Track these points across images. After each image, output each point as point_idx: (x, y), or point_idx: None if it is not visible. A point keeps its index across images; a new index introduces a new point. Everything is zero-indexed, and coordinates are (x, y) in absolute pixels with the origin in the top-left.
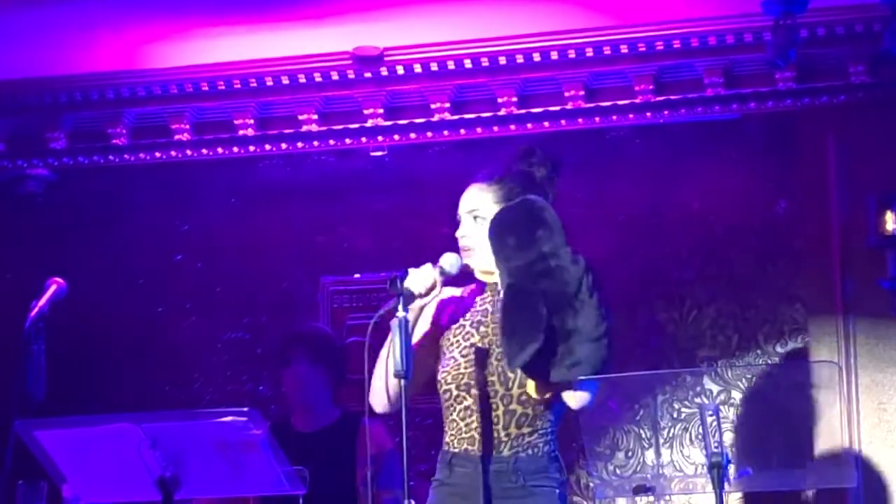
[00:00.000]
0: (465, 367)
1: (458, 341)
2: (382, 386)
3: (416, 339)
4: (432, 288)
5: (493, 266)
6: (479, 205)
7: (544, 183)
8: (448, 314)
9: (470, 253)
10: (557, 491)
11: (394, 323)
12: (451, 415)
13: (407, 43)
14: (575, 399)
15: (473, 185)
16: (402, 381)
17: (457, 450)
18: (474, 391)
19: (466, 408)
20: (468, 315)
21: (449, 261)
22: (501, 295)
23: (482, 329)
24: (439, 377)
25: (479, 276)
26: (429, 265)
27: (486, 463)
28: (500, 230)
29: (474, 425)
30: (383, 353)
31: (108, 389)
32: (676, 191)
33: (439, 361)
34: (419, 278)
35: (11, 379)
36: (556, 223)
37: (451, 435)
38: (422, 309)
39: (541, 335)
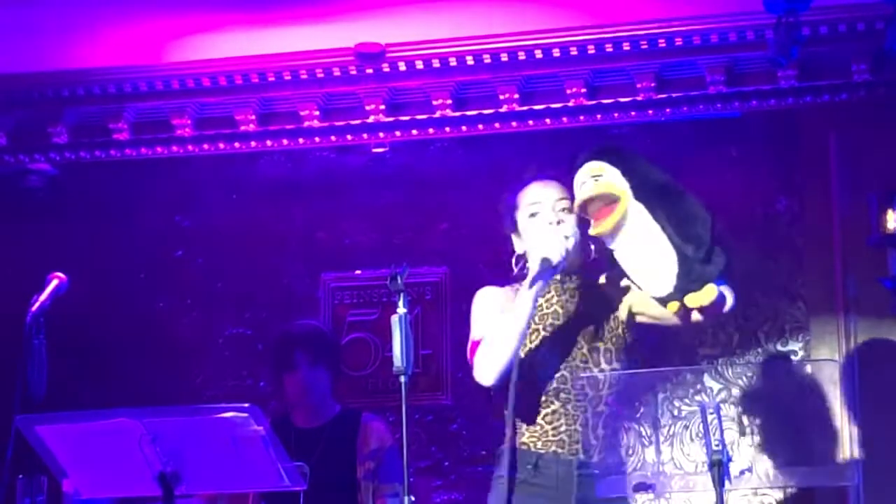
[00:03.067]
0: (553, 371)
1: (533, 342)
2: (502, 349)
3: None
4: (564, 258)
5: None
6: (566, 195)
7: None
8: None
9: (564, 226)
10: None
11: (394, 319)
12: (535, 418)
13: (409, 39)
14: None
15: (546, 182)
16: (404, 379)
17: (543, 451)
18: (563, 395)
19: (554, 412)
20: (537, 318)
21: (570, 235)
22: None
23: (561, 333)
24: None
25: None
26: (557, 234)
27: (576, 466)
28: (619, 155)
29: (563, 428)
30: (510, 323)
31: (109, 384)
32: None
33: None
34: (555, 247)
35: (13, 374)
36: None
37: (533, 436)
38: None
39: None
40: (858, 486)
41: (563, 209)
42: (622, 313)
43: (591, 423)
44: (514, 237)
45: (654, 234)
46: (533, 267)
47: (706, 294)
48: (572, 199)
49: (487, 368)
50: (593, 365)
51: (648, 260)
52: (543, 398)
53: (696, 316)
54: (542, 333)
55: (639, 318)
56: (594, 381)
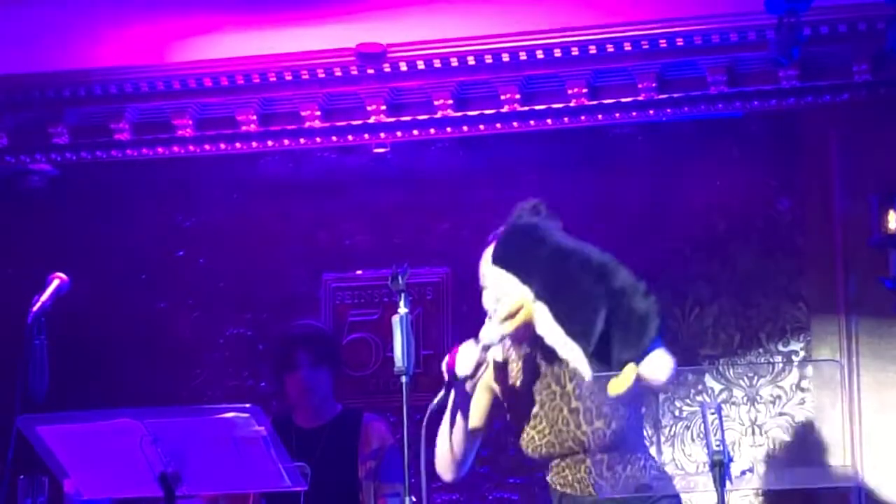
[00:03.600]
0: (540, 440)
1: (519, 412)
2: (447, 452)
3: (476, 419)
4: (480, 365)
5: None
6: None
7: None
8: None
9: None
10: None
11: (395, 319)
12: (546, 474)
13: (410, 39)
14: (656, 366)
15: (486, 252)
16: (405, 379)
17: (563, 489)
18: (557, 459)
19: (558, 464)
20: (514, 383)
21: (490, 333)
22: (539, 320)
23: (538, 397)
24: (521, 446)
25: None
26: (471, 342)
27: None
28: (505, 258)
29: (569, 477)
30: (444, 425)
31: (110, 385)
32: (679, 188)
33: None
34: (466, 360)
35: (14, 374)
36: (545, 224)
37: (555, 475)
38: (474, 385)
39: (593, 336)
40: (860, 487)
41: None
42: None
43: (594, 470)
44: None
45: (558, 334)
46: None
47: (624, 380)
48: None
49: (441, 469)
50: (574, 427)
51: (565, 354)
52: (542, 461)
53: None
54: (524, 400)
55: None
56: (580, 443)
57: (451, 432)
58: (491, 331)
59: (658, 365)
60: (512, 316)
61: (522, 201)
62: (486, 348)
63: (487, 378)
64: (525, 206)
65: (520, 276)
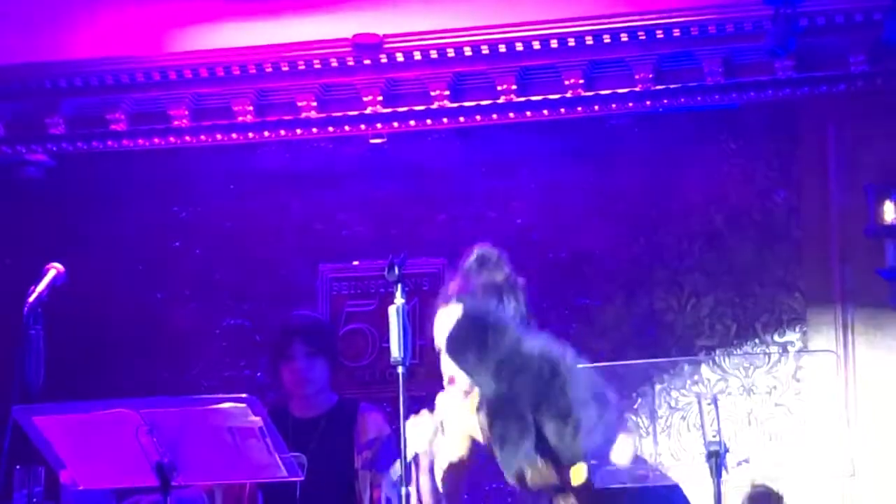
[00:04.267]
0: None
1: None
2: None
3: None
4: (434, 436)
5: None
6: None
7: (507, 285)
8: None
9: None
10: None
11: (391, 310)
12: None
13: (406, 30)
14: (618, 454)
15: (440, 311)
16: (401, 369)
17: None
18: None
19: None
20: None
21: (447, 404)
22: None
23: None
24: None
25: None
26: (425, 414)
27: None
28: (457, 353)
29: None
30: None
31: (107, 375)
32: (675, 179)
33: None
34: (419, 436)
35: (10, 364)
36: (500, 320)
37: None
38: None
39: (530, 443)
40: (855, 477)
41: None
42: None
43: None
44: None
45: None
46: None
47: (577, 474)
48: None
49: None
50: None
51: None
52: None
53: None
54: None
55: None
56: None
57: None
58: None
59: (620, 452)
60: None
61: (475, 247)
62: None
63: (464, 426)
64: (477, 255)
65: (468, 372)
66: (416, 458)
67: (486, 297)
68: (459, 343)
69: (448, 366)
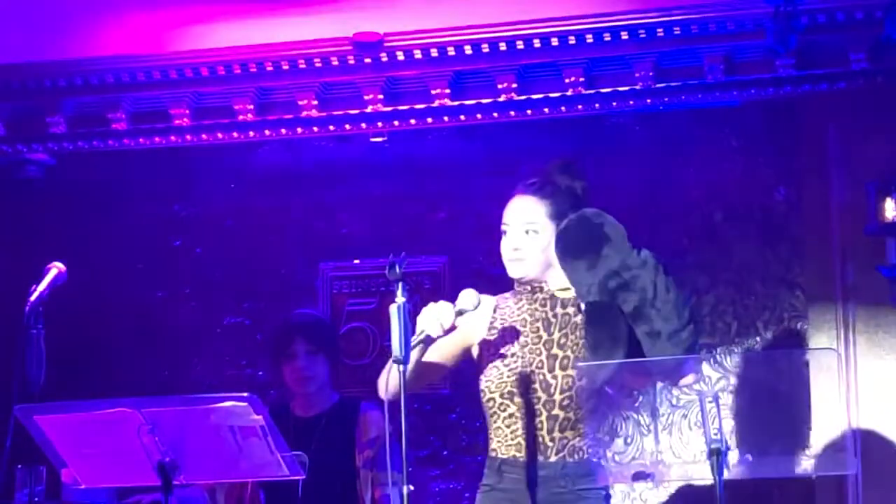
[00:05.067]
0: (508, 376)
1: (497, 350)
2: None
3: (443, 352)
4: (450, 329)
5: (543, 276)
6: (535, 218)
7: (584, 196)
8: (480, 323)
9: (522, 264)
10: (604, 493)
11: (392, 309)
12: (497, 422)
13: (407, 29)
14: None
15: (523, 197)
16: (401, 367)
17: (505, 456)
18: (517, 399)
19: (511, 415)
20: (502, 323)
21: (468, 300)
22: (581, 311)
23: (522, 339)
24: (482, 386)
25: (520, 286)
26: (446, 305)
27: (534, 468)
28: (569, 254)
29: (519, 432)
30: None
31: (108, 374)
32: (676, 177)
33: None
34: (435, 321)
35: (11, 363)
36: (617, 233)
37: (498, 441)
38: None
39: (623, 351)
40: (857, 475)
41: (530, 231)
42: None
43: (546, 426)
44: None
45: None
46: (417, 332)
47: None
48: (551, 215)
49: (381, 389)
50: (547, 371)
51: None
52: (499, 401)
53: None
54: (507, 339)
55: None
56: (546, 387)
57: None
58: (472, 300)
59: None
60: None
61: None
62: (460, 313)
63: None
64: (562, 161)
65: (572, 279)
66: (427, 338)
67: (572, 203)
68: (574, 249)
69: (522, 247)
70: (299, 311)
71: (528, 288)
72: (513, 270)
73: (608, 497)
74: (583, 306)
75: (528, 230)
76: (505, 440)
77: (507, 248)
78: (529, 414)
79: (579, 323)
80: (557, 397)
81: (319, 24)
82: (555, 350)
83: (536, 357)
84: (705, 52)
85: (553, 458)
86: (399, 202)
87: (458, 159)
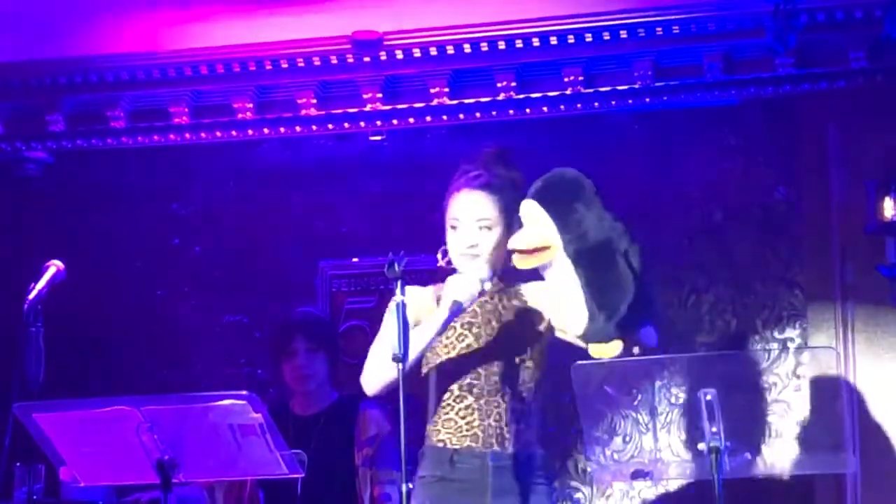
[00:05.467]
0: (465, 367)
1: (451, 343)
2: (378, 367)
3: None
4: (478, 296)
5: (492, 272)
6: (487, 214)
7: (523, 188)
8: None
9: (476, 260)
10: (552, 488)
11: (391, 307)
12: (449, 413)
13: (406, 27)
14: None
15: (471, 192)
16: (400, 365)
17: (457, 446)
18: (476, 390)
19: (467, 406)
20: (467, 317)
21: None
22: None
23: (475, 330)
24: (433, 377)
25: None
26: (471, 275)
27: (493, 458)
28: (551, 202)
29: (476, 423)
30: (382, 334)
31: (107, 372)
32: (675, 176)
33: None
34: (465, 290)
35: (10, 361)
36: (590, 188)
37: (448, 432)
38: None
39: (628, 292)
40: (856, 474)
41: (483, 227)
42: (543, 325)
43: (505, 417)
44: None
45: (571, 289)
46: (444, 304)
47: (611, 349)
48: (501, 210)
49: (367, 383)
50: (505, 363)
51: (560, 307)
52: (457, 392)
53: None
54: (460, 331)
55: (558, 334)
56: (504, 376)
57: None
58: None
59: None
60: (536, 251)
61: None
62: (482, 282)
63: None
64: (496, 150)
65: (560, 225)
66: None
67: (511, 195)
68: (551, 191)
69: (478, 244)
70: (299, 309)
71: (495, 283)
72: (465, 266)
73: (553, 491)
74: (529, 301)
75: (481, 226)
76: (458, 431)
77: (459, 244)
78: (489, 405)
79: (529, 316)
80: (515, 389)
81: (318, 22)
82: (508, 342)
83: (492, 349)
84: (704, 50)
85: (510, 450)
86: (398, 201)
87: (457, 158)
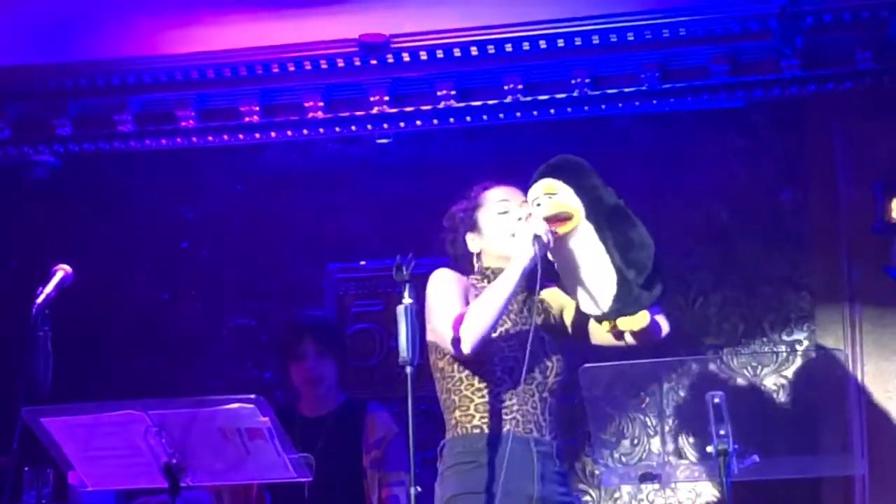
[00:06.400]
0: (508, 353)
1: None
2: (490, 323)
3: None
4: (550, 238)
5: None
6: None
7: None
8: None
9: (533, 220)
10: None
11: (399, 310)
12: (485, 397)
13: (413, 30)
14: (663, 320)
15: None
16: (409, 369)
17: (496, 431)
18: (515, 375)
19: (507, 391)
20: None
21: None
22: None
23: (512, 316)
24: (475, 358)
25: (492, 273)
26: (536, 220)
27: (533, 444)
28: (566, 174)
29: (515, 407)
30: (492, 295)
31: (114, 376)
32: (682, 178)
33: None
34: (541, 227)
35: (18, 365)
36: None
37: (484, 417)
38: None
39: (650, 249)
40: (864, 475)
41: (521, 217)
42: (569, 320)
43: (539, 406)
44: (469, 237)
45: (599, 255)
46: (524, 247)
47: (639, 319)
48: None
49: (471, 336)
50: (542, 353)
51: (589, 278)
52: (499, 374)
53: (628, 339)
54: (505, 319)
55: (584, 309)
56: (543, 367)
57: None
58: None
59: (663, 320)
60: (566, 219)
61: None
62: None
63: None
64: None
65: (576, 189)
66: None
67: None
68: (563, 166)
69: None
70: (307, 312)
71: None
72: (523, 232)
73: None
74: (551, 303)
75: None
76: (496, 415)
77: (511, 222)
78: (525, 392)
79: (552, 313)
80: (550, 380)
81: (325, 25)
82: (541, 333)
83: (528, 336)
84: (711, 52)
85: (547, 437)
86: (405, 203)
87: (463, 161)
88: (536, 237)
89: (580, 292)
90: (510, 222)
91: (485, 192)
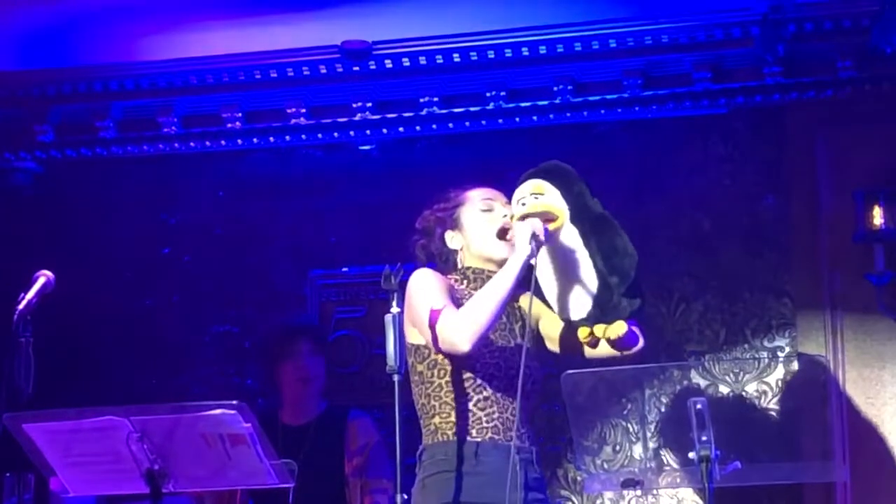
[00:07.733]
0: (489, 359)
1: None
2: (489, 320)
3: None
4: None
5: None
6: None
7: None
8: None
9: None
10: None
11: (387, 318)
12: (465, 404)
13: (395, 37)
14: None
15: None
16: (396, 377)
17: (478, 439)
18: (496, 382)
19: (486, 398)
20: None
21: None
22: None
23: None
24: (451, 365)
25: (473, 274)
26: (532, 223)
27: (515, 452)
28: (562, 181)
29: (495, 415)
30: (492, 291)
31: (96, 382)
32: (664, 185)
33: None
34: (538, 225)
35: None
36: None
37: (464, 423)
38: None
39: (632, 259)
40: (846, 482)
41: (506, 215)
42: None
43: (518, 414)
44: (448, 234)
45: (581, 258)
46: (522, 244)
47: (616, 328)
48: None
49: (467, 333)
50: (519, 358)
51: (570, 281)
52: (478, 382)
53: (603, 349)
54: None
55: (548, 344)
56: (520, 372)
57: (498, 297)
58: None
59: (639, 335)
60: (550, 220)
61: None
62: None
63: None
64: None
65: (563, 193)
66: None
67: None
68: (551, 170)
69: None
70: (300, 317)
71: (484, 275)
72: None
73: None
74: (525, 309)
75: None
76: (478, 422)
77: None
78: (504, 399)
79: (525, 317)
80: (528, 386)
81: (307, 31)
82: (518, 339)
83: (508, 343)
84: (693, 59)
85: (527, 445)
86: (388, 210)
87: (447, 167)
88: (534, 235)
89: (559, 295)
90: (493, 221)
91: (467, 191)
